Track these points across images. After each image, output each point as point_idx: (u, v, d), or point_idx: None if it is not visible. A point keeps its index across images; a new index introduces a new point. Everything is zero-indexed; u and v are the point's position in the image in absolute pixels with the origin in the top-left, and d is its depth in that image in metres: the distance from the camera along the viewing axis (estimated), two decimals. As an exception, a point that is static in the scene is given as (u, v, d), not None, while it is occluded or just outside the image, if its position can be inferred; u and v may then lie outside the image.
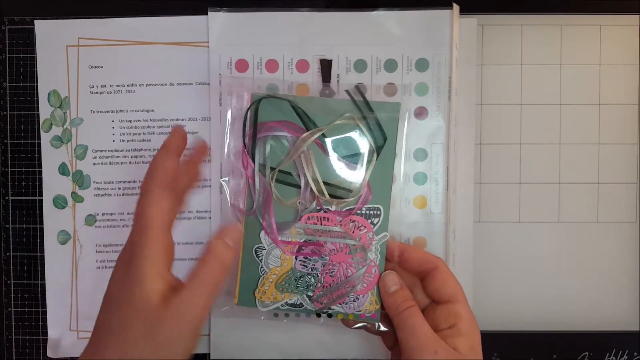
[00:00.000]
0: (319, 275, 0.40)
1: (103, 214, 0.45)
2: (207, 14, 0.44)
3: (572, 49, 0.45)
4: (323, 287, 0.40)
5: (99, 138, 0.45)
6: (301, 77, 0.44)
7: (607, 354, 0.46)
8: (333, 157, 0.40)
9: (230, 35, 0.44)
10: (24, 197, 0.46)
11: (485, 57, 0.45)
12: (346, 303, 0.39)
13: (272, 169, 0.40)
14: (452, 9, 0.43)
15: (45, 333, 0.46)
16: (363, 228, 0.39)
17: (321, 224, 0.40)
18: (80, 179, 0.45)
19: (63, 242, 0.45)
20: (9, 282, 0.46)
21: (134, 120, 0.45)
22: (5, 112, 0.45)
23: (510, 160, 0.45)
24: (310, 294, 0.40)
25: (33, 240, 0.46)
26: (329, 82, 0.44)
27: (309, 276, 0.40)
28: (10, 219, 0.46)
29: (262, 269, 0.40)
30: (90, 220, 0.45)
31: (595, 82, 0.45)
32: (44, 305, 0.46)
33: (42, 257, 0.46)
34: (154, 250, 0.31)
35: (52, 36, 0.45)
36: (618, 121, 0.45)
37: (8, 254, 0.46)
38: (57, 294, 0.45)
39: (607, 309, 0.46)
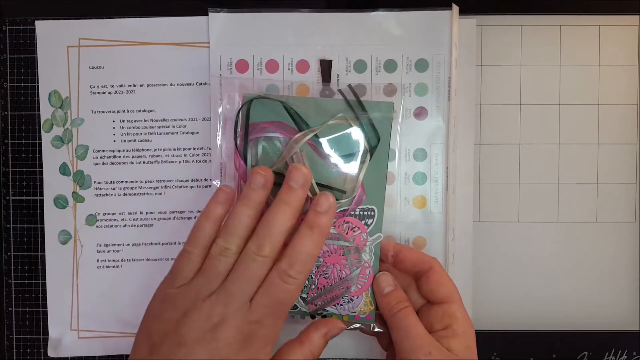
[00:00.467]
0: (313, 277, 0.39)
1: (104, 214, 0.45)
2: (207, 14, 0.44)
3: (571, 50, 0.45)
4: (317, 288, 0.39)
5: (100, 138, 0.45)
6: (301, 78, 0.44)
7: (607, 354, 0.46)
8: (326, 157, 0.40)
9: (231, 36, 0.44)
10: (24, 197, 0.46)
11: (484, 57, 0.45)
12: (340, 304, 0.39)
13: None
14: (451, 9, 0.43)
15: (46, 333, 0.46)
16: (357, 229, 0.39)
17: None
18: (81, 179, 0.45)
19: (64, 242, 0.45)
20: (9, 281, 0.46)
21: (135, 121, 0.45)
22: (6, 112, 0.46)
23: (510, 160, 0.46)
24: (304, 295, 0.40)
25: (34, 240, 0.46)
26: (329, 82, 0.44)
27: None
28: (11, 218, 0.46)
29: None
30: (91, 220, 0.45)
31: (594, 83, 0.45)
32: (45, 305, 0.46)
33: (43, 257, 0.46)
34: (277, 338, 0.34)
35: (52, 36, 0.45)
36: (617, 121, 0.45)
37: (9, 253, 0.46)
38: (57, 293, 0.45)
39: (606, 309, 0.46)
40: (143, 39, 0.45)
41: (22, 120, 0.46)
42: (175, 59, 0.45)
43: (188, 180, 0.45)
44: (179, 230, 0.45)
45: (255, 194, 0.35)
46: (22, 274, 0.46)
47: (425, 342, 0.35)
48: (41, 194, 0.45)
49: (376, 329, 0.40)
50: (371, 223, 0.39)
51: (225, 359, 0.31)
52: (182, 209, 0.45)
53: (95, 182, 0.45)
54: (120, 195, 0.45)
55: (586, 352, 0.46)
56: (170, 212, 0.45)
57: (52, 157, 0.45)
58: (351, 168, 0.40)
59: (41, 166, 0.45)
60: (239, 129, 0.40)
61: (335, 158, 0.40)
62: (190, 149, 0.45)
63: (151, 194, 0.45)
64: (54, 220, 0.45)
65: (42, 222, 0.46)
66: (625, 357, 0.46)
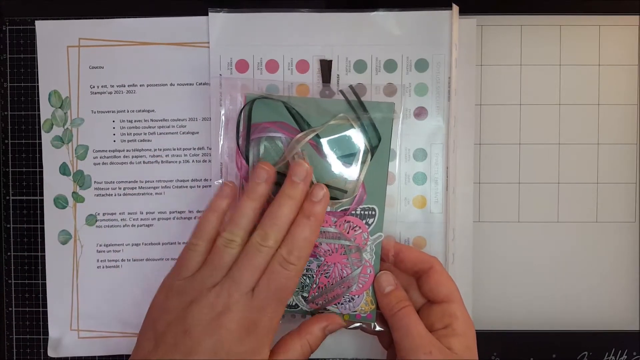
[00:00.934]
0: (314, 276, 0.40)
1: (104, 214, 0.45)
2: (207, 14, 0.44)
3: (571, 50, 0.45)
4: (318, 288, 0.40)
5: (100, 138, 0.45)
6: (301, 78, 0.44)
7: (607, 354, 0.46)
8: (327, 157, 0.40)
9: (231, 36, 0.44)
10: (24, 197, 0.46)
11: (484, 57, 0.45)
12: (342, 303, 0.39)
13: None
14: (451, 9, 0.43)
15: (46, 333, 0.46)
16: (358, 228, 0.39)
17: None
18: (81, 179, 0.45)
19: (64, 242, 0.45)
20: (9, 281, 0.46)
21: (135, 121, 0.45)
22: (6, 113, 0.46)
23: (510, 160, 0.46)
24: (305, 295, 0.40)
25: (34, 240, 0.46)
26: (329, 82, 0.44)
27: (304, 277, 0.40)
28: (11, 218, 0.46)
29: None
30: (91, 220, 0.45)
31: (594, 83, 0.45)
32: (45, 305, 0.46)
33: (43, 257, 0.46)
34: (278, 325, 0.35)
35: (52, 36, 0.45)
36: (617, 121, 0.45)
37: (9, 253, 0.46)
38: (57, 293, 0.46)
39: (606, 309, 0.46)
40: (143, 39, 0.45)
41: (22, 120, 0.46)
42: (175, 59, 0.45)
43: (188, 180, 0.45)
44: (179, 230, 0.45)
45: (260, 188, 0.37)
46: (22, 274, 0.46)
47: (426, 342, 0.35)
48: (41, 194, 0.46)
49: (377, 328, 0.40)
50: (372, 222, 0.40)
51: (229, 346, 0.32)
52: (182, 209, 0.45)
53: (95, 182, 0.45)
54: (120, 195, 0.45)
55: (586, 352, 0.46)
56: (170, 212, 0.45)
57: (52, 157, 0.45)
58: (352, 168, 0.40)
59: (41, 166, 0.45)
60: (241, 129, 0.40)
61: (336, 158, 0.40)
62: (190, 149, 0.45)
63: (151, 194, 0.45)
64: (54, 220, 0.45)
65: (42, 222, 0.46)
66: (625, 357, 0.46)
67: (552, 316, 0.46)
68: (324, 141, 0.40)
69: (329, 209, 0.39)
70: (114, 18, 0.45)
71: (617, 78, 0.45)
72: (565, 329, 0.46)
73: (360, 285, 0.39)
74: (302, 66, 0.44)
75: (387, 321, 0.37)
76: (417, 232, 0.44)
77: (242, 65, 0.44)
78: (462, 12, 0.43)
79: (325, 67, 0.44)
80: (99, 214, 0.45)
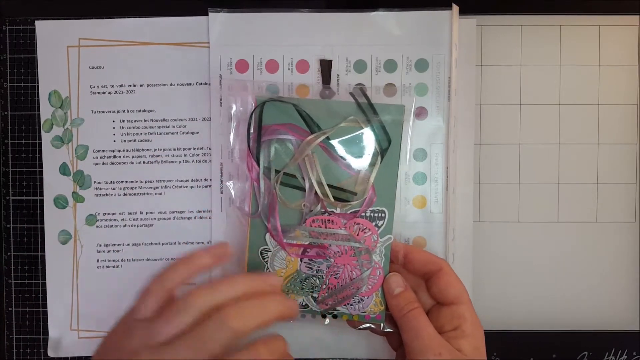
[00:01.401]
0: (324, 277, 0.40)
1: (104, 214, 0.45)
2: (207, 14, 0.44)
3: (571, 50, 0.45)
4: (328, 288, 0.40)
5: (100, 138, 0.45)
6: (301, 78, 0.44)
7: (607, 354, 0.46)
8: (337, 159, 0.40)
9: (231, 36, 0.44)
10: (24, 197, 0.46)
11: (484, 57, 0.45)
12: (351, 304, 0.40)
13: (277, 171, 0.40)
14: (451, 9, 0.43)
15: (46, 333, 0.46)
16: (367, 230, 0.40)
17: (326, 227, 0.40)
18: (81, 179, 0.45)
19: (64, 242, 0.45)
20: (9, 281, 0.46)
21: (135, 121, 0.45)
22: (6, 112, 0.46)
23: (510, 160, 0.46)
24: (315, 295, 0.40)
25: (34, 240, 0.46)
26: (329, 82, 0.44)
27: (314, 278, 0.40)
28: (11, 218, 0.46)
29: (267, 271, 0.40)
30: (91, 220, 0.45)
31: (594, 83, 0.45)
32: (45, 305, 0.46)
33: (43, 257, 0.46)
34: None
35: (52, 36, 0.45)
36: (617, 121, 0.45)
37: (9, 253, 0.46)
38: (57, 293, 0.45)
39: (606, 309, 0.46)
40: (143, 39, 0.45)
41: (22, 120, 0.46)
42: (175, 59, 0.45)
43: (188, 180, 0.45)
44: (179, 230, 0.45)
45: (263, 284, 0.34)
46: (22, 274, 0.46)
47: (436, 343, 0.35)
48: (41, 194, 0.45)
49: (386, 329, 0.40)
50: (382, 225, 0.40)
51: None
52: (182, 209, 0.45)
53: (95, 182, 0.45)
54: (120, 195, 0.45)
55: (586, 352, 0.46)
56: (170, 212, 0.45)
57: (52, 157, 0.45)
58: (362, 170, 0.40)
59: (41, 166, 0.45)
60: (251, 130, 0.40)
61: (346, 160, 0.40)
62: (190, 149, 0.45)
63: (151, 194, 0.45)
64: (54, 220, 0.45)
65: (42, 222, 0.46)
66: (625, 357, 0.46)
67: (552, 316, 0.46)
68: (334, 143, 0.40)
69: (339, 210, 0.40)
70: (114, 18, 0.45)
71: (617, 78, 0.45)
72: (565, 329, 0.46)
73: (370, 287, 0.39)
74: (302, 66, 0.44)
75: (397, 322, 0.38)
76: (417, 232, 0.44)
77: (242, 65, 0.44)
78: (462, 12, 0.43)
79: (325, 67, 0.44)
80: (99, 214, 0.45)
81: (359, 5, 0.44)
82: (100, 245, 0.45)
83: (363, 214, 0.40)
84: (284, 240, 0.40)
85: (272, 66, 0.44)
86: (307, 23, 0.44)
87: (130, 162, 0.45)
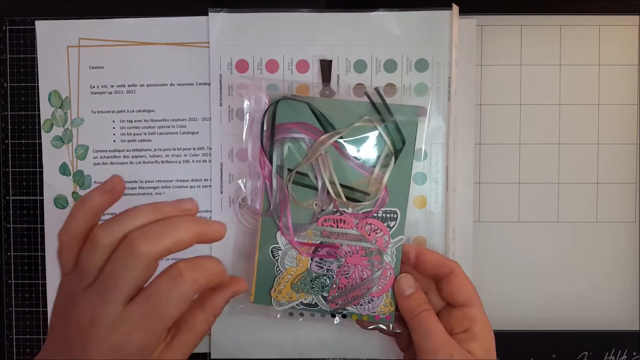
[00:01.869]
0: (335, 276, 0.40)
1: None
2: (207, 14, 0.44)
3: (571, 50, 0.45)
4: (338, 288, 0.40)
5: (100, 138, 0.45)
6: (301, 78, 0.44)
7: (607, 354, 0.46)
8: (351, 159, 0.40)
9: (231, 36, 0.44)
10: (24, 197, 0.46)
11: (484, 57, 0.45)
12: (361, 304, 0.40)
13: (290, 170, 0.40)
14: (451, 9, 0.43)
15: (46, 333, 0.46)
16: (379, 231, 0.40)
17: (337, 227, 0.40)
18: (81, 179, 0.45)
19: (64, 242, 0.45)
20: (9, 281, 0.46)
21: (135, 121, 0.45)
22: (6, 112, 0.46)
23: (510, 160, 0.46)
24: (325, 294, 0.40)
25: (34, 240, 0.46)
26: (329, 82, 0.44)
27: (325, 277, 0.40)
28: (11, 218, 0.46)
29: (278, 269, 0.40)
30: (91, 220, 0.45)
31: (594, 83, 0.45)
32: (45, 305, 0.46)
33: (43, 257, 0.46)
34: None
35: (52, 36, 0.45)
36: (617, 121, 0.45)
37: (9, 253, 0.46)
38: (57, 293, 0.45)
39: (606, 309, 0.46)
40: (143, 39, 0.45)
41: (22, 120, 0.46)
42: (175, 59, 0.45)
43: (188, 180, 0.45)
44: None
45: (169, 209, 0.31)
46: (22, 274, 0.46)
47: (447, 345, 0.35)
48: (41, 194, 0.45)
49: (395, 330, 0.40)
50: (394, 225, 0.40)
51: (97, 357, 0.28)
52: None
53: (95, 182, 0.45)
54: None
55: (586, 352, 0.46)
56: (170, 212, 0.45)
57: (52, 157, 0.45)
58: (375, 170, 0.40)
59: (41, 166, 0.45)
60: (264, 129, 0.40)
61: (359, 160, 0.40)
62: (190, 149, 0.45)
63: (151, 194, 0.45)
64: (54, 220, 0.45)
65: (42, 222, 0.46)
66: (625, 357, 0.46)
67: (551, 316, 0.46)
68: (347, 143, 0.40)
69: (351, 210, 0.40)
70: (114, 18, 0.45)
71: (617, 78, 0.45)
72: (565, 329, 0.46)
73: (380, 287, 0.39)
74: (302, 66, 0.44)
75: (407, 323, 0.38)
76: (417, 232, 0.44)
77: (242, 65, 0.44)
78: (462, 12, 0.43)
79: (325, 67, 0.44)
80: (99, 214, 0.45)
81: (359, 5, 0.44)
82: (100, 245, 0.45)
83: (375, 215, 0.40)
84: (295, 239, 0.40)
85: (272, 66, 0.44)
86: (307, 23, 0.44)
87: (130, 162, 0.45)
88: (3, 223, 0.46)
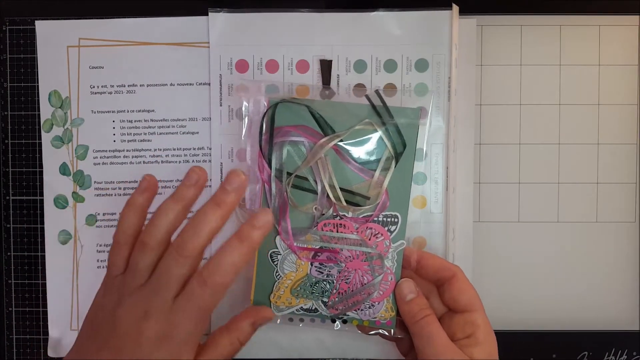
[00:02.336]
0: (335, 281, 0.40)
1: (104, 214, 0.45)
2: (207, 14, 0.44)
3: (571, 50, 0.45)
4: (338, 293, 0.40)
5: (100, 138, 0.45)
6: (301, 78, 0.44)
7: (607, 354, 0.46)
8: (351, 163, 0.39)
9: (231, 36, 0.44)
10: (24, 197, 0.46)
11: (484, 57, 0.45)
12: (361, 310, 0.39)
13: (289, 174, 0.40)
14: (451, 9, 0.43)
15: (46, 333, 0.46)
16: (380, 235, 0.39)
17: (337, 231, 0.39)
18: (81, 179, 0.45)
19: (64, 242, 0.45)
20: (9, 281, 0.46)
21: (135, 121, 0.45)
22: (6, 112, 0.46)
23: (510, 160, 0.46)
24: (325, 299, 0.40)
25: (34, 240, 0.46)
26: (329, 82, 0.44)
27: (325, 282, 0.40)
28: (11, 218, 0.46)
29: (277, 274, 0.40)
30: (91, 220, 0.45)
31: (594, 83, 0.45)
32: (45, 305, 0.46)
33: (43, 257, 0.46)
34: (199, 339, 0.34)
35: (52, 36, 0.45)
36: (617, 121, 0.45)
37: (9, 253, 0.46)
38: (57, 293, 0.45)
39: (606, 309, 0.46)
40: (143, 39, 0.45)
41: (22, 120, 0.46)
42: (175, 59, 0.45)
43: (188, 180, 0.45)
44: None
45: (186, 191, 0.35)
46: (22, 274, 0.46)
47: (448, 350, 0.35)
48: (41, 194, 0.45)
49: (396, 335, 0.40)
50: (394, 230, 0.39)
51: (147, 352, 0.32)
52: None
53: (95, 182, 0.45)
54: (120, 195, 0.45)
55: (586, 352, 0.46)
56: (170, 212, 0.45)
57: (52, 157, 0.45)
58: (376, 174, 0.39)
59: (41, 166, 0.45)
60: (263, 131, 0.40)
61: (360, 163, 0.39)
62: (190, 149, 0.45)
63: (151, 194, 0.45)
64: (54, 220, 0.45)
65: (42, 222, 0.46)
66: (625, 357, 0.46)
67: (551, 316, 0.46)
68: (347, 146, 0.39)
69: (351, 214, 0.39)
70: (114, 18, 0.45)
71: (617, 78, 0.45)
72: (565, 329, 0.46)
73: (381, 292, 0.39)
74: (302, 66, 0.44)
75: (409, 329, 0.37)
76: (417, 232, 0.44)
77: (242, 65, 0.44)
78: (462, 12, 0.43)
79: (325, 67, 0.44)
80: (99, 214, 0.45)
81: (359, 5, 0.44)
82: (100, 245, 0.45)
83: (375, 219, 0.39)
84: (295, 244, 0.40)
85: (272, 66, 0.44)
86: (307, 23, 0.44)
87: (130, 162, 0.45)
88: (3, 223, 0.46)
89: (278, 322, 0.41)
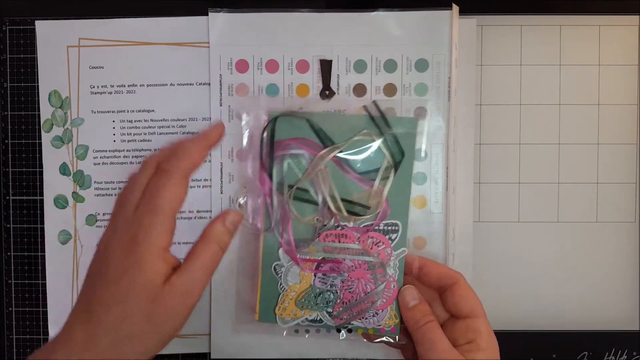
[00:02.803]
0: (338, 291, 0.40)
1: (104, 214, 0.45)
2: (207, 14, 0.44)
3: (571, 50, 0.45)
4: (343, 303, 0.40)
5: (100, 138, 0.45)
6: (301, 78, 0.44)
7: (607, 354, 0.46)
8: (350, 173, 0.40)
9: (231, 36, 0.44)
10: (24, 197, 0.46)
11: (484, 57, 0.45)
12: (366, 318, 0.40)
13: (290, 186, 0.40)
14: (451, 9, 0.43)
15: (46, 333, 0.46)
16: (381, 244, 0.39)
17: (339, 242, 0.40)
18: (81, 179, 0.45)
19: (64, 242, 0.45)
20: (9, 281, 0.46)
21: (135, 121, 0.45)
22: (6, 112, 0.46)
23: (510, 160, 0.46)
24: (330, 310, 0.40)
25: (34, 240, 0.46)
26: (329, 82, 0.44)
27: (328, 293, 0.40)
28: (11, 218, 0.46)
29: (281, 286, 0.40)
30: (91, 220, 0.45)
31: (594, 83, 0.45)
32: (45, 305, 0.46)
33: (43, 257, 0.46)
34: (162, 234, 0.32)
35: (52, 36, 0.45)
36: (617, 121, 0.45)
37: (9, 253, 0.46)
38: (57, 293, 0.45)
39: (606, 309, 0.46)
40: (143, 39, 0.45)
41: (22, 120, 0.46)
42: (175, 59, 0.45)
43: (188, 180, 0.45)
44: (178, 230, 0.45)
45: (210, 131, 0.36)
46: (22, 274, 0.46)
47: (450, 356, 0.35)
48: (41, 194, 0.45)
49: (401, 342, 0.40)
50: (395, 238, 0.40)
51: (116, 263, 0.31)
52: (182, 209, 0.45)
53: (95, 182, 0.45)
54: (120, 195, 0.45)
55: (586, 352, 0.46)
56: (170, 212, 0.45)
57: (52, 157, 0.45)
58: (375, 183, 0.40)
59: (41, 166, 0.45)
60: (264, 146, 0.40)
61: (359, 174, 0.40)
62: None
63: (151, 194, 0.45)
64: (54, 220, 0.45)
65: (42, 222, 0.46)
66: (625, 357, 0.46)
67: (551, 316, 0.46)
68: (347, 157, 0.40)
69: (352, 224, 0.39)
70: (114, 18, 0.45)
71: (617, 78, 0.45)
72: (565, 329, 0.46)
73: (384, 300, 0.39)
74: (302, 66, 0.44)
75: (412, 335, 0.38)
76: (417, 232, 0.44)
77: (242, 65, 0.44)
78: (462, 12, 0.43)
79: (325, 67, 0.44)
80: (99, 214, 0.45)
81: (359, 5, 0.44)
82: (100, 245, 0.45)
83: (376, 228, 0.40)
84: (297, 256, 0.40)
85: (272, 66, 0.44)
86: (307, 23, 0.44)
87: (130, 162, 0.45)
88: (3, 223, 0.46)
89: (284, 334, 0.41)
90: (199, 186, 0.45)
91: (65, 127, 0.45)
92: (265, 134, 0.41)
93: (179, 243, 0.45)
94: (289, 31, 0.44)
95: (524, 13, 0.45)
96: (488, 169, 0.46)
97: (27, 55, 0.45)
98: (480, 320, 0.37)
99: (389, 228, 0.40)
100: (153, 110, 0.45)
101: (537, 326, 0.46)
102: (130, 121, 0.45)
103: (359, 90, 0.44)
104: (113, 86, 0.45)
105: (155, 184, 0.33)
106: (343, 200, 0.40)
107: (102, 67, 0.45)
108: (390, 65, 0.44)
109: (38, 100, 0.45)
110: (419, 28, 0.44)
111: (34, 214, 0.46)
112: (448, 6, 0.43)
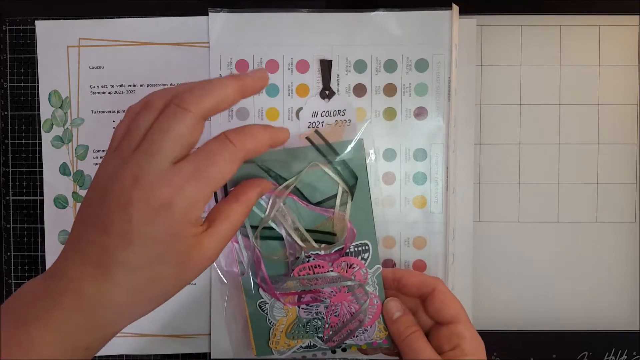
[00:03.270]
0: (325, 317, 0.40)
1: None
2: (207, 14, 0.44)
3: (571, 50, 0.45)
4: (331, 327, 0.40)
5: (100, 138, 0.45)
6: (301, 78, 0.44)
7: (607, 354, 0.46)
8: (310, 205, 0.39)
9: (231, 36, 0.44)
10: (24, 197, 0.46)
11: (484, 57, 0.45)
12: (356, 336, 0.40)
13: (254, 227, 0.39)
14: (451, 9, 0.43)
15: (46, 333, 0.46)
16: (355, 266, 0.39)
17: (314, 273, 0.39)
18: (81, 179, 0.45)
19: (64, 242, 0.45)
20: (9, 282, 0.46)
21: (135, 121, 0.45)
22: (6, 112, 0.46)
23: (510, 160, 0.46)
24: (320, 335, 0.40)
25: (34, 240, 0.46)
26: (329, 82, 0.44)
27: (315, 320, 0.40)
28: (11, 218, 0.46)
29: (270, 321, 0.40)
30: (91, 220, 0.45)
31: (594, 83, 0.45)
32: (45, 305, 0.46)
33: (43, 257, 0.46)
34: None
35: (52, 36, 0.45)
36: (617, 121, 0.45)
37: (9, 253, 0.46)
38: (57, 293, 0.45)
39: (606, 309, 0.46)
40: (143, 39, 0.45)
41: (22, 120, 0.46)
42: (175, 59, 0.45)
43: (188, 180, 0.45)
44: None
45: (246, 77, 0.30)
46: (22, 274, 0.46)
47: None
48: (41, 194, 0.46)
49: (396, 350, 0.40)
50: (367, 257, 0.39)
51: (137, 227, 0.27)
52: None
53: (95, 182, 0.45)
54: (120, 195, 0.45)
55: (586, 352, 0.46)
56: (170, 212, 0.45)
57: (52, 157, 0.45)
58: (336, 210, 0.39)
59: (41, 166, 0.45)
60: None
61: (318, 203, 0.39)
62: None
63: (151, 194, 0.45)
64: (54, 220, 0.45)
65: (42, 222, 0.46)
66: (625, 357, 0.46)
67: (551, 316, 0.46)
68: (303, 189, 0.39)
69: (322, 252, 0.39)
70: (114, 18, 0.45)
71: (617, 78, 0.45)
72: (565, 329, 0.46)
73: (371, 317, 0.39)
74: (302, 66, 0.44)
75: (398, 347, 0.38)
76: (417, 232, 0.44)
77: (242, 65, 0.44)
78: (462, 12, 0.43)
79: (325, 67, 0.44)
80: (99, 214, 0.45)
81: (359, 5, 0.44)
82: (100, 245, 0.45)
83: (348, 251, 0.39)
84: (277, 292, 0.40)
85: (272, 66, 0.44)
86: (307, 23, 0.44)
87: (130, 162, 0.45)
88: (3, 223, 0.46)
89: None
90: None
91: (65, 127, 0.45)
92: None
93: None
94: (289, 31, 0.44)
95: (524, 13, 0.45)
96: (488, 169, 0.46)
97: (27, 55, 0.45)
98: (463, 325, 0.37)
99: (360, 249, 0.40)
100: (153, 110, 0.45)
101: (536, 326, 0.46)
102: (130, 121, 0.45)
103: (359, 90, 0.44)
104: (113, 86, 0.45)
105: (212, 146, 0.29)
106: (309, 231, 0.39)
107: (102, 67, 0.45)
108: (390, 65, 0.44)
109: (38, 100, 0.45)
110: (419, 28, 0.44)
111: (34, 214, 0.46)
112: (448, 6, 0.43)
